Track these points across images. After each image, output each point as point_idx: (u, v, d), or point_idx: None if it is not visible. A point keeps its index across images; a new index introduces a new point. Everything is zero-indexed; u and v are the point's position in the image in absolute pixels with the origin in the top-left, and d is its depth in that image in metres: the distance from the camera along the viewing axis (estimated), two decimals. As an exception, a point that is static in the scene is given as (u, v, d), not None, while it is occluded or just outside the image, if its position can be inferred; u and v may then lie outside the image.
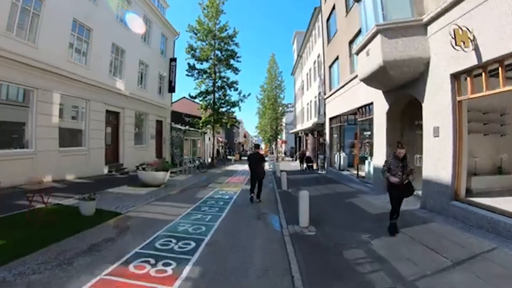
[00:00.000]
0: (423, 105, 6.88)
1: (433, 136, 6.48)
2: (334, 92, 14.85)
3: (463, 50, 5.18)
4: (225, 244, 4.44)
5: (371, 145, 10.64)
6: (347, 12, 12.37)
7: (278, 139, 39.56)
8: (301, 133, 27.37)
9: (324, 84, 17.18)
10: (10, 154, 8.62)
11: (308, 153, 21.36)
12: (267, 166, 18.93)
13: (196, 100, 21.77)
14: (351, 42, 12.30)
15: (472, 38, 5.08)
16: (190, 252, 4.05)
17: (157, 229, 5.03)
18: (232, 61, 20.97)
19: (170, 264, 3.60)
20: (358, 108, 11.21)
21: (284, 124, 39.23)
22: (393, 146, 8.86)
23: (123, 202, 7.19)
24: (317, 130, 20.90)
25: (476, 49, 5.04)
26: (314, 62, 21.88)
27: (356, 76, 11.15)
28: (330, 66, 15.95)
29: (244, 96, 21.19)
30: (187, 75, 20.66)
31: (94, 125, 12.51)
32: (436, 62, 6.39)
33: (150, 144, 17.85)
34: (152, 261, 3.68)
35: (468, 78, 5.52)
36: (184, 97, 31.02)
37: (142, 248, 4.15)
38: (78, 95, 11.71)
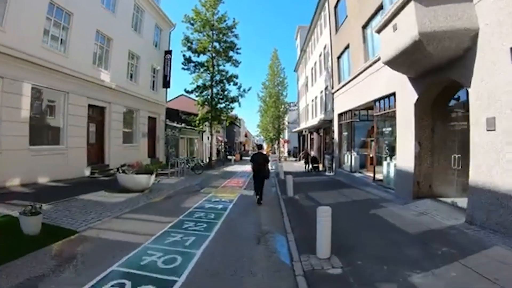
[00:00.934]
0: (470, 90, 5.35)
1: (486, 129, 4.94)
2: (343, 85, 13.32)
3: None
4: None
5: (390, 144, 9.11)
6: (360, -8, 10.85)
7: (281, 139, 37.94)
8: (305, 131, 25.73)
9: (332, 77, 15.63)
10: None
11: (313, 153, 19.76)
12: (269, 167, 17.41)
13: (193, 96, 20.28)
14: (364, 27, 10.79)
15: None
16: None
17: (114, 260, 3.54)
18: (231, 53, 19.45)
19: None
20: (374, 101, 9.67)
21: (286, 123, 37.55)
22: (424, 144, 7.41)
23: (87, 214, 5.72)
24: (323, 127, 19.33)
25: None
26: (320, 55, 20.31)
27: (372, 64, 9.66)
28: (339, 57, 14.41)
29: (244, 90, 19.65)
30: (182, 68, 19.17)
31: (73, 121, 11.04)
32: (488, 34, 4.89)
33: (141, 143, 16.37)
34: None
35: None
36: (182, 95, 29.57)
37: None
38: (55, 86, 10.26)
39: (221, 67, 19.76)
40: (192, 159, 16.95)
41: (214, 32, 19.09)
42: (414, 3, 5.44)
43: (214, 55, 19.22)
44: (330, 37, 15.91)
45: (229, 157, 31.80)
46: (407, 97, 7.39)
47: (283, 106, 34.63)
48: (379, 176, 9.76)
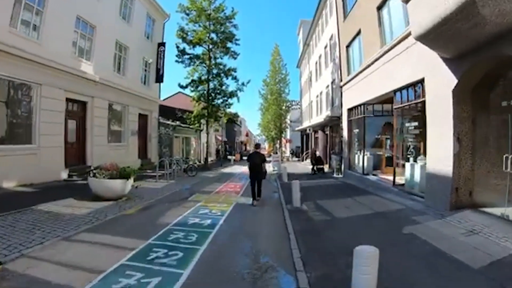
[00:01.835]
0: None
1: None
2: (354, 77, 11.88)
3: None
4: None
5: (415, 141, 7.67)
6: (374, -33, 9.40)
7: (282, 138, 36.42)
8: (309, 130, 24.20)
9: (340, 69, 14.16)
10: None
11: (318, 153, 18.27)
12: (270, 168, 16.00)
13: (187, 91, 18.85)
14: (380, 7, 9.37)
15: None
16: None
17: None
18: (229, 44, 18.01)
19: None
20: (394, 91, 8.22)
21: (288, 122, 35.98)
22: (463, 141, 5.96)
23: (32, 232, 4.33)
24: (329, 125, 17.87)
25: None
26: (326, 46, 18.85)
27: (391, 49, 8.23)
28: (348, 46, 12.95)
29: (243, 84, 18.22)
30: (176, 61, 17.76)
31: (48, 117, 9.64)
32: None
33: (131, 143, 14.98)
34: None
35: None
36: (179, 92, 28.11)
37: None
38: (25, 77, 8.89)
39: (218, 60, 18.36)
40: (185, 159, 15.53)
41: (211, 22, 17.66)
42: (466, -51, 4.02)
43: (211, 46, 17.79)
44: (337, 26, 14.46)
45: (229, 157, 30.34)
46: (442, 83, 5.94)
47: (285, 104, 33.09)
48: (399, 179, 8.30)
